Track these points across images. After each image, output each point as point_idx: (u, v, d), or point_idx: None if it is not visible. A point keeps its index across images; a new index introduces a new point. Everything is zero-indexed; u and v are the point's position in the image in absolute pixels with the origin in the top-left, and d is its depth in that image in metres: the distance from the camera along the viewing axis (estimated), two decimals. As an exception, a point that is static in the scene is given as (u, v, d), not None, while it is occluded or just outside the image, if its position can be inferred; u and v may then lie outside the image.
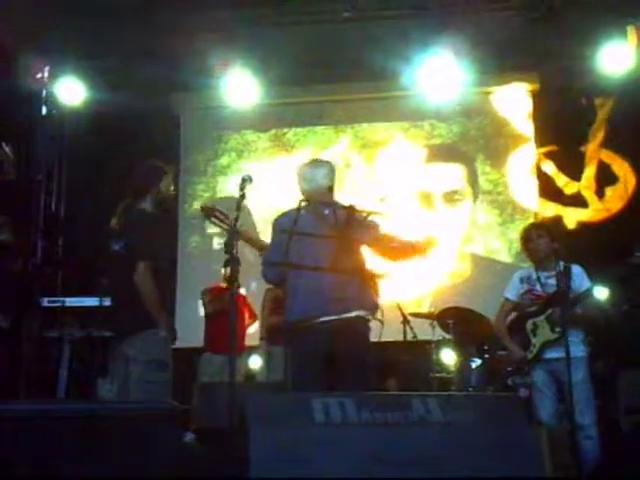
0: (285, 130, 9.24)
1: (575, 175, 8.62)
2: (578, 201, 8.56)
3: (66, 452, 2.70)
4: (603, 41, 7.47)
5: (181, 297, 8.65)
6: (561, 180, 8.64)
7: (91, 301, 7.09)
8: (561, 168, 8.65)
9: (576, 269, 5.20)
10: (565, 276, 5.05)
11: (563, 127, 8.48)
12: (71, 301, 7.37)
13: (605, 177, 8.54)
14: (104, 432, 2.75)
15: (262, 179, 8.95)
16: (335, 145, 9.03)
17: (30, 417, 2.75)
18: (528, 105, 8.78)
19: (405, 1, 7.64)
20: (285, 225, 4.14)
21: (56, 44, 7.76)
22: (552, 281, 5.12)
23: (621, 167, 8.49)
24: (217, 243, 8.77)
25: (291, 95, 9.00)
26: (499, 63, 8.23)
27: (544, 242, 5.29)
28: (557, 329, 5.05)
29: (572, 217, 8.51)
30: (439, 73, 7.79)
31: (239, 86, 8.14)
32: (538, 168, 8.73)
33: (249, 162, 9.14)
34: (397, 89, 8.60)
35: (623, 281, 5.28)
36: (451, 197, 8.84)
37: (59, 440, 2.72)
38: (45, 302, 7.46)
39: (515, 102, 8.78)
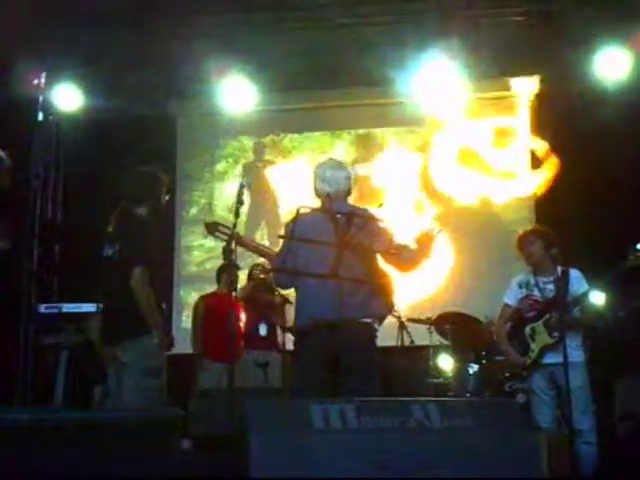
0: (282, 136, 9.25)
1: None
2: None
3: (65, 461, 2.68)
4: (601, 46, 7.48)
5: (178, 304, 8.67)
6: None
7: (88, 307, 7.07)
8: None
9: (574, 273, 5.22)
10: (563, 281, 5.07)
11: (561, 130, 8.52)
12: (68, 307, 7.34)
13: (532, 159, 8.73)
14: (106, 441, 2.73)
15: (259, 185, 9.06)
16: (331, 151, 9.02)
17: (30, 426, 2.73)
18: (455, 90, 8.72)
19: (403, 7, 7.66)
20: (294, 230, 4.11)
21: (52, 50, 7.75)
22: (550, 286, 5.15)
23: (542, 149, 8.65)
24: (216, 250, 8.75)
25: (288, 101, 9.00)
26: (497, 68, 8.24)
27: (536, 247, 5.30)
28: (555, 334, 5.06)
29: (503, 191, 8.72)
30: (436, 79, 7.79)
31: (236, 92, 8.14)
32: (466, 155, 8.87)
33: (246, 168, 9.16)
34: (394, 95, 8.58)
35: (617, 285, 5.29)
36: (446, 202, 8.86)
37: (58, 449, 2.70)
38: (42, 308, 7.44)
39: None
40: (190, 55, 7.65)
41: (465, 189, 8.78)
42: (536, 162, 8.66)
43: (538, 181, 8.57)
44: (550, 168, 8.52)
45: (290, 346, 5.40)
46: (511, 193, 8.74)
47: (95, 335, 5.34)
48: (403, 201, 8.75)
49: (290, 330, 5.59)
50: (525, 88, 8.72)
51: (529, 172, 8.68)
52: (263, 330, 6.98)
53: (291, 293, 4.98)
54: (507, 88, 8.74)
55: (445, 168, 8.86)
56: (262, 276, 6.89)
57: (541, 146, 8.66)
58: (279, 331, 7.05)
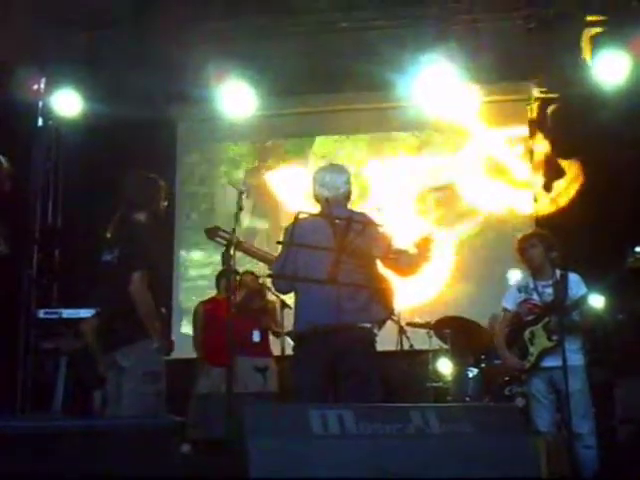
0: (282, 141, 9.25)
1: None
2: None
3: (65, 469, 2.67)
4: (600, 50, 7.48)
5: (178, 308, 8.66)
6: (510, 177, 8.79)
7: (88, 312, 7.06)
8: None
9: (573, 277, 5.23)
10: (562, 284, 5.07)
11: (560, 136, 8.52)
12: (68, 313, 7.34)
13: (554, 171, 8.64)
14: (103, 449, 2.73)
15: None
16: (332, 156, 9.01)
17: (29, 434, 2.73)
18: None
19: (403, 11, 7.66)
20: (293, 235, 4.11)
21: (52, 55, 7.76)
22: (549, 290, 5.15)
23: (567, 161, 8.60)
24: (215, 255, 8.75)
25: (288, 106, 9.00)
26: (496, 72, 8.24)
27: (537, 252, 5.30)
28: (554, 337, 5.06)
29: (522, 211, 8.64)
30: (436, 83, 7.78)
31: (236, 97, 8.13)
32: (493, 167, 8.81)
33: (246, 173, 9.16)
34: (395, 99, 8.58)
35: (616, 288, 5.30)
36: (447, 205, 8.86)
37: (58, 457, 2.69)
38: (41, 314, 7.43)
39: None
40: (190, 60, 7.64)
41: (490, 198, 8.76)
42: (559, 171, 8.64)
43: (560, 196, 8.55)
44: (573, 181, 8.50)
45: (287, 351, 5.40)
46: (531, 203, 8.69)
47: (90, 338, 5.34)
48: (403, 205, 8.75)
49: (289, 335, 5.60)
50: (525, 92, 8.72)
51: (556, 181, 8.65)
52: (256, 336, 6.98)
53: (289, 297, 4.99)
54: (507, 92, 8.74)
55: (469, 176, 8.84)
56: (261, 280, 6.89)
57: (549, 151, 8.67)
58: (274, 337, 7.05)
